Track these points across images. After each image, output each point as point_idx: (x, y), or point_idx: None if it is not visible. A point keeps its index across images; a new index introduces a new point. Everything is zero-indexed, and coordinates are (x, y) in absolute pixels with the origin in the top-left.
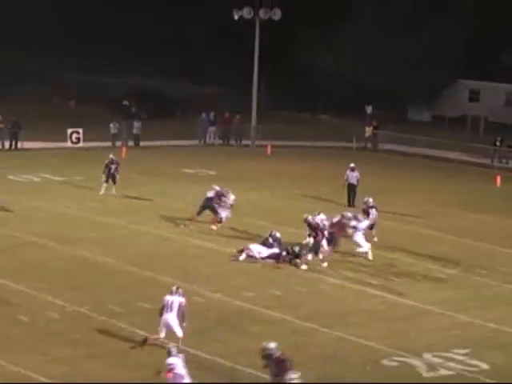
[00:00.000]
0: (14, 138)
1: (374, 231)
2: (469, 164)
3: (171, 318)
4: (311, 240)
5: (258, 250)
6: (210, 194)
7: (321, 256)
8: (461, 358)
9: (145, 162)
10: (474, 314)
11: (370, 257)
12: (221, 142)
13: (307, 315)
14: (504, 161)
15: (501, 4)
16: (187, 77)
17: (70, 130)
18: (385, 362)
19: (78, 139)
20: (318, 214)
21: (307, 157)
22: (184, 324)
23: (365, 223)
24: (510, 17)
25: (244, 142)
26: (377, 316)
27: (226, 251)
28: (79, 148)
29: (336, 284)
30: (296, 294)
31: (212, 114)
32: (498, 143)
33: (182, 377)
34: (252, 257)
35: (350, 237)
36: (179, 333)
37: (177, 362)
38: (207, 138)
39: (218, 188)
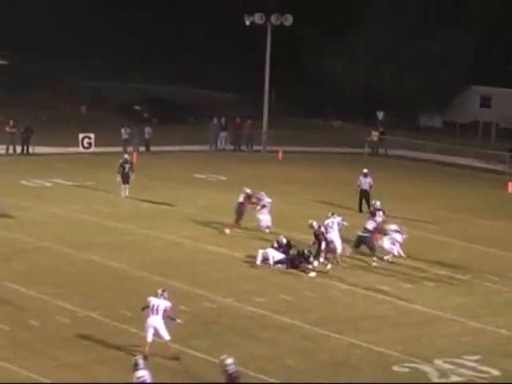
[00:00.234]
0: (26, 142)
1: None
2: (481, 170)
3: (158, 321)
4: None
5: (272, 254)
6: (241, 198)
7: (321, 259)
8: (472, 364)
9: (156, 167)
10: (486, 321)
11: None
12: (232, 147)
13: (317, 321)
14: None
15: None
16: (198, 82)
17: (81, 135)
18: (396, 368)
19: (90, 144)
20: (332, 215)
21: (318, 162)
22: (179, 320)
23: (402, 237)
24: None
25: (255, 148)
26: (387, 322)
27: (236, 256)
28: (91, 153)
29: (346, 289)
30: (306, 300)
31: (223, 120)
32: None
33: None
34: (267, 260)
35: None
36: (166, 336)
37: (146, 374)
38: (218, 144)
39: (247, 190)
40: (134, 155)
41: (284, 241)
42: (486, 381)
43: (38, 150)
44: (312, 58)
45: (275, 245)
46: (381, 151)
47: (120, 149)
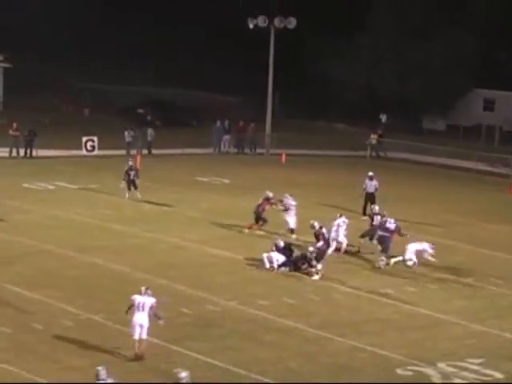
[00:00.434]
0: (30, 145)
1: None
2: (485, 173)
3: (143, 318)
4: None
5: (276, 257)
6: (260, 200)
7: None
8: (475, 367)
9: (158, 170)
10: (490, 324)
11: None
12: (235, 150)
13: (320, 324)
14: None
15: None
16: (199, 84)
17: (84, 138)
18: (399, 371)
19: (93, 147)
20: (340, 216)
21: (322, 165)
22: (161, 321)
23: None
24: None
25: (258, 151)
26: (391, 325)
27: (239, 259)
28: (94, 156)
29: (349, 293)
30: (309, 303)
31: (227, 123)
32: None
33: None
34: (271, 263)
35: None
36: (144, 335)
37: None
38: (222, 147)
39: (268, 193)
40: (138, 158)
41: (281, 244)
42: None
43: (42, 152)
44: (314, 61)
45: (273, 248)
46: (381, 154)
47: (123, 152)
